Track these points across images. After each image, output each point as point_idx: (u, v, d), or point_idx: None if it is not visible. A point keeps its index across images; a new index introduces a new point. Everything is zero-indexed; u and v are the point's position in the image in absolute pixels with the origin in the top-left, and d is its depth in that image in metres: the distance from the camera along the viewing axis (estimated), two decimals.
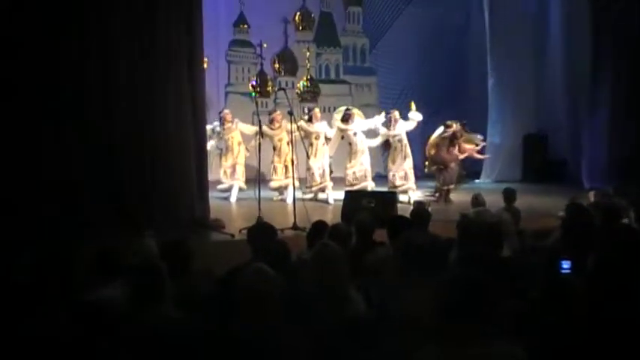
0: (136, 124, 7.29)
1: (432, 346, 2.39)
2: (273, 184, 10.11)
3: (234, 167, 10.21)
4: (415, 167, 10.31)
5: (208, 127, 9.36)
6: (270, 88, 13.75)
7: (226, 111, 10.57)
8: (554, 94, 12.85)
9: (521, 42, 12.86)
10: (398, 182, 10.05)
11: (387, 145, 10.37)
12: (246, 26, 13.60)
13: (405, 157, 10.09)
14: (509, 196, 7.33)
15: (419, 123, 10.26)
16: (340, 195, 9.07)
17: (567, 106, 12.54)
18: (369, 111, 11.62)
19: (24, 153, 6.64)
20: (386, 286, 3.49)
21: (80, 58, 6.93)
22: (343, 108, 10.47)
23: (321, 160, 10.01)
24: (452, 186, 10.22)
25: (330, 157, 10.29)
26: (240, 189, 10.20)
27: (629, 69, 11.12)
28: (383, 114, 10.40)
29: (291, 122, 8.43)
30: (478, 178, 12.97)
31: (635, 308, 3.00)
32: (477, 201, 7.27)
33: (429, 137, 10.42)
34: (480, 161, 12.15)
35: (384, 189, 9.85)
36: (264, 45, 13.63)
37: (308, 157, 9.65)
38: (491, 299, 2.42)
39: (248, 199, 9.38)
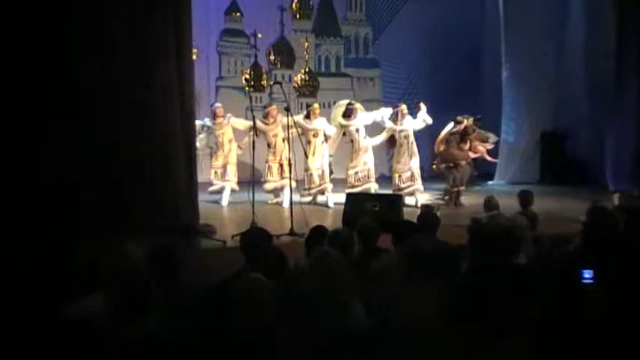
0: (116, 122, 7.29)
1: (438, 358, 2.40)
2: (268, 185, 10.13)
3: (225, 167, 10.23)
4: (421, 168, 10.31)
5: (198, 122, 9.38)
6: (264, 82, 13.77)
7: (218, 104, 10.59)
8: (575, 87, 12.83)
9: (539, 31, 12.83)
10: (404, 184, 10.04)
11: (392, 142, 10.34)
12: (238, 14, 13.63)
13: (411, 156, 10.07)
14: (525, 199, 7.33)
15: (427, 125, 10.27)
16: (341, 198, 9.08)
17: (589, 101, 12.53)
18: (372, 107, 11.60)
19: None
20: (390, 296, 3.50)
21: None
22: (343, 102, 10.47)
23: (320, 160, 10.02)
24: (462, 187, 10.23)
25: (331, 156, 10.29)
26: (232, 190, 10.21)
27: None
28: (390, 108, 10.41)
29: (288, 119, 8.45)
30: (491, 180, 12.99)
31: None
32: (490, 204, 7.29)
33: (437, 134, 10.44)
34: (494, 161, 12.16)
35: (389, 191, 9.87)
36: (259, 35, 13.66)
37: (306, 156, 9.65)
38: (503, 309, 2.43)
39: (241, 203, 9.39)
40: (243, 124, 10.16)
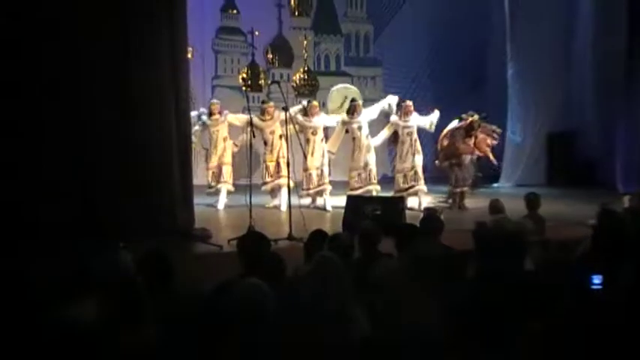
0: (110, 122, 7.30)
1: None
2: (267, 187, 10.12)
3: (220, 168, 10.22)
4: (424, 167, 10.29)
5: (193, 113, 9.36)
6: (262, 82, 13.78)
7: (215, 101, 10.59)
8: (583, 86, 12.84)
9: (546, 27, 12.83)
10: (407, 184, 10.00)
11: (395, 138, 10.31)
12: (235, 11, 13.64)
13: (414, 154, 10.04)
14: (532, 201, 7.33)
15: (432, 124, 10.25)
16: (340, 201, 9.07)
17: (598, 101, 12.54)
18: None
19: None
20: (393, 303, 3.49)
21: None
22: (340, 87, 10.42)
23: (319, 159, 10.01)
24: (465, 188, 10.21)
25: (332, 154, 10.27)
26: (228, 192, 10.21)
27: None
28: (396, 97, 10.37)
29: (286, 119, 8.44)
30: (497, 182, 12.99)
31: None
32: (496, 207, 7.28)
33: (441, 133, 10.43)
34: (499, 163, 12.14)
35: (391, 193, 9.87)
36: (256, 33, 13.67)
37: (305, 157, 9.63)
38: (511, 319, 2.42)
39: (238, 206, 9.38)
40: (240, 119, 10.14)
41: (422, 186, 10.06)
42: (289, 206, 7.90)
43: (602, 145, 12.44)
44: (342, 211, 8.41)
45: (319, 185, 10.00)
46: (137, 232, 6.76)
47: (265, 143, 10.08)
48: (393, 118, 10.15)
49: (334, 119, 10.34)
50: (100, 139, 7.26)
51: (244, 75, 13.73)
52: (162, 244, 6.12)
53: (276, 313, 3.02)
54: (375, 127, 10.45)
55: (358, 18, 14.78)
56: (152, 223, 7.30)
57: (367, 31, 14.80)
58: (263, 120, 10.01)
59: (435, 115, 10.21)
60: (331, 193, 10.09)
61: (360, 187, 10.02)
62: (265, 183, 10.08)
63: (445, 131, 10.33)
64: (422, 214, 6.97)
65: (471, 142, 10.26)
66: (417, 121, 10.12)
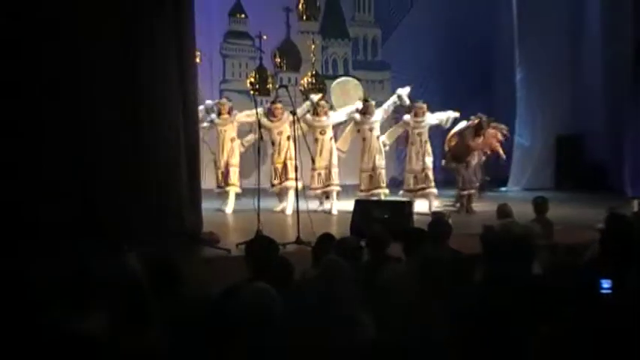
0: (116, 127, 7.31)
1: None
2: (275, 189, 10.12)
3: (227, 170, 10.22)
4: (434, 168, 10.27)
5: (200, 107, 9.35)
6: (270, 86, 13.78)
7: (224, 101, 10.59)
8: (592, 89, 12.80)
9: (554, 32, 12.84)
10: (417, 185, 9.99)
11: (406, 139, 10.31)
12: (243, 15, 13.65)
13: (424, 155, 10.03)
14: (540, 205, 7.32)
15: (448, 120, 10.22)
16: (348, 205, 9.07)
17: (607, 104, 12.51)
18: None
19: None
20: (400, 307, 3.49)
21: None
22: (344, 80, 10.40)
23: (327, 159, 10.00)
24: (473, 190, 10.18)
25: (343, 153, 10.27)
26: (236, 194, 10.20)
27: None
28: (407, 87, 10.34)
29: (294, 123, 8.43)
30: (505, 186, 12.96)
31: None
32: (504, 211, 7.26)
33: (447, 133, 10.41)
34: (507, 166, 12.11)
35: (400, 197, 9.86)
36: (264, 37, 13.67)
37: (313, 162, 9.60)
38: (519, 324, 2.42)
39: (246, 210, 9.39)
40: (250, 115, 10.01)
41: (433, 189, 10.06)
42: (297, 210, 7.90)
43: (611, 149, 12.41)
44: (350, 215, 8.40)
45: (327, 185, 9.99)
46: (142, 233, 6.79)
47: (273, 144, 10.09)
48: (406, 117, 10.16)
49: (344, 112, 10.31)
50: (100, 139, 7.25)
51: (252, 79, 13.74)
52: (169, 247, 6.17)
53: (283, 316, 3.02)
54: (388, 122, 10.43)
55: (366, 22, 14.78)
56: (160, 227, 7.31)
57: (375, 34, 14.79)
58: (271, 121, 10.01)
59: (454, 113, 10.20)
60: (339, 197, 10.07)
61: (369, 190, 10.02)
62: (273, 185, 10.08)
63: (453, 132, 10.30)
64: (430, 218, 6.95)
65: (480, 140, 10.20)
66: (433, 119, 10.12)
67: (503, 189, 12.83)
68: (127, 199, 7.28)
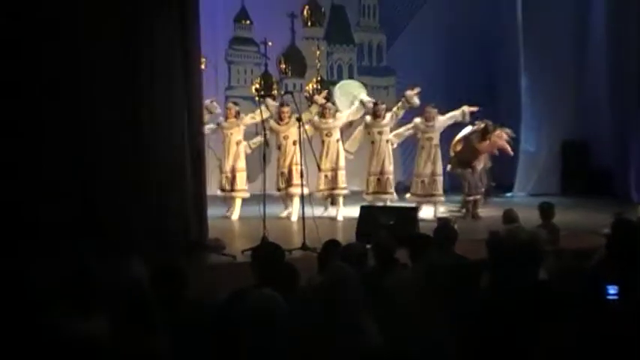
0: (120, 132, 7.32)
1: None
2: (282, 194, 10.10)
3: (234, 175, 10.21)
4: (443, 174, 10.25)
5: (207, 101, 9.38)
6: (275, 92, 13.79)
7: (231, 104, 10.59)
8: (597, 95, 12.78)
9: (559, 37, 12.81)
10: (423, 190, 9.98)
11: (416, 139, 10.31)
12: (248, 22, 13.67)
13: (434, 161, 10.00)
14: (546, 211, 7.31)
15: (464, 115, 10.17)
16: (354, 211, 9.06)
17: (612, 109, 12.46)
18: None
19: None
20: (406, 313, 3.49)
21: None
22: (349, 83, 10.42)
23: (334, 160, 10.00)
24: (478, 196, 10.16)
25: (351, 155, 10.26)
26: (243, 199, 10.20)
27: None
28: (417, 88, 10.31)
29: (299, 129, 8.43)
30: (510, 191, 12.93)
31: None
32: (510, 217, 7.25)
33: (452, 138, 10.39)
34: (513, 172, 12.08)
35: (406, 202, 9.86)
36: (269, 43, 13.69)
37: (319, 169, 9.57)
38: (525, 329, 2.42)
39: (252, 217, 9.39)
40: (257, 116, 9.87)
41: (440, 197, 10.05)
42: (303, 216, 7.90)
43: (616, 155, 12.36)
44: (356, 221, 8.40)
45: (333, 188, 9.98)
46: (142, 233, 6.81)
47: (278, 148, 10.10)
48: (417, 120, 10.12)
49: (348, 112, 10.31)
50: (100, 139, 7.26)
51: (257, 85, 13.76)
52: (175, 255, 6.18)
53: (289, 322, 3.02)
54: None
55: (371, 28, 14.77)
56: (165, 234, 7.32)
57: (380, 40, 14.78)
58: (278, 124, 10.02)
59: (469, 108, 10.16)
60: (345, 203, 10.06)
61: (375, 193, 10.01)
62: (279, 189, 10.08)
63: (458, 137, 10.28)
64: (436, 224, 6.95)
65: (487, 143, 10.14)
66: (446, 120, 10.07)
67: (508, 194, 12.80)
68: (127, 199, 7.29)
